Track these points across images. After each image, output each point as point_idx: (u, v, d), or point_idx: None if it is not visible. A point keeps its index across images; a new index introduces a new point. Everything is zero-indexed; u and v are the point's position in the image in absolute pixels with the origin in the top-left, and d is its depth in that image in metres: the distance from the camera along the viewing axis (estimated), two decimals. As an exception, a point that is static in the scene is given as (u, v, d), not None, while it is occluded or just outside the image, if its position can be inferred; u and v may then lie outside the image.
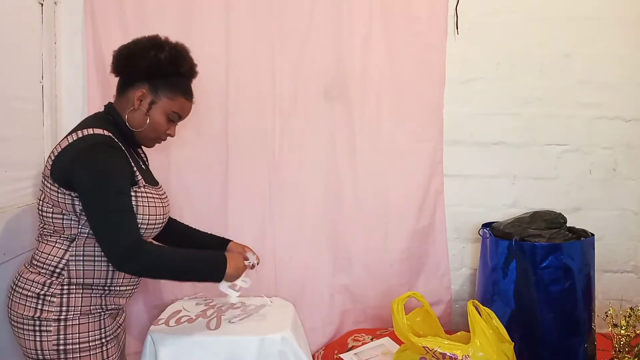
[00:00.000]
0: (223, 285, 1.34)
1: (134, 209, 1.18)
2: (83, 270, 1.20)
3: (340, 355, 1.70)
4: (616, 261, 2.02)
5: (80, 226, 1.19)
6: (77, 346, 1.18)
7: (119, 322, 1.33)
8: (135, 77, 1.25)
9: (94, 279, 1.21)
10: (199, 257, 1.27)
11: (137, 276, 1.29)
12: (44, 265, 1.20)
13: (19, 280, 1.22)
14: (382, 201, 1.89)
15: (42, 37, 1.67)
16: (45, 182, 1.19)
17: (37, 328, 1.17)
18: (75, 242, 1.20)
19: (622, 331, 1.47)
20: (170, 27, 1.66)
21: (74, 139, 1.17)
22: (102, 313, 1.24)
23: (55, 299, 1.18)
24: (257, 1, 1.80)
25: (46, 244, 1.22)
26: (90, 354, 1.20)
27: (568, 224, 1.73)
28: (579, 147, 1.97)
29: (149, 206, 1.22)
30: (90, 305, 1.21)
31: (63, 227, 1.19)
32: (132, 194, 1.19)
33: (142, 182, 1.24)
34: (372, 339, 1.79)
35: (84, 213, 1.16)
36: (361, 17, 1.83)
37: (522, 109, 1.94)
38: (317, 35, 1.82)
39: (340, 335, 1.88)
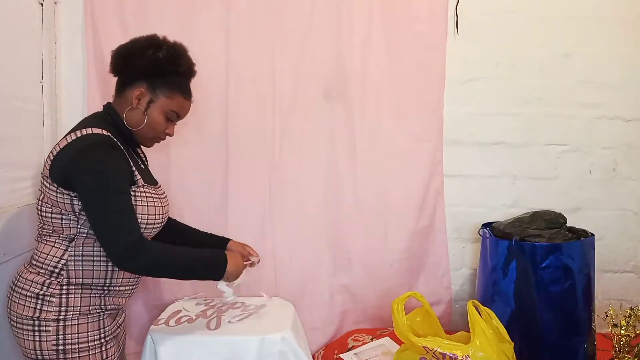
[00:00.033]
0: (221, 284, 1.34)
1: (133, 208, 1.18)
2: (82, 270, 1.20)
3: (340, 355, 1.70)
4: (616, 261, 2.01)
5: (79, 226, 1.19)
6: (77, 346, 1.18)
7: (119, 322, 1.33)
8: (134, 77, 1.25)
9: (93, 279, 1.21)
10: (199, 255, 1.27)
11: (138, 275, 1.29)
12: (43, 265, 1.20)
13: (18, 280, 1.22)
14: (382, 201, 1.89)
15: (42, 37, 1.67)
16: (44, 182, 1.19)
17: (36, 328, 1.17)
18: (74, 242, 1.20)
19: (622, 331, 1.47)
20: (170, 27, 1.66)
21: (73, 138, 1.17)
22: (102, 313, 1.24)
23: (54, 299, 1.18)
24: (257, 1, 1.80)
25: (45, 244, 1.22)
26: (89, 354, 1.20)
27: (568, 224, 1.73)
28: (579, 147, 1.97)
29: (147, 206, 1.22)
30: (90, 305, 1.22)
31: (62, 227, 1.19)
32: (131, 193, 1.19)
33: (141, 181, 1.24)
34: (372, 339, 1.79)
35: (83, 213, 1.16)
36: (361, 17, 1.83)
37: (522, 109, 1.94)
38: (317, 35, 1.82)
39: (340, 335, 1.88)
